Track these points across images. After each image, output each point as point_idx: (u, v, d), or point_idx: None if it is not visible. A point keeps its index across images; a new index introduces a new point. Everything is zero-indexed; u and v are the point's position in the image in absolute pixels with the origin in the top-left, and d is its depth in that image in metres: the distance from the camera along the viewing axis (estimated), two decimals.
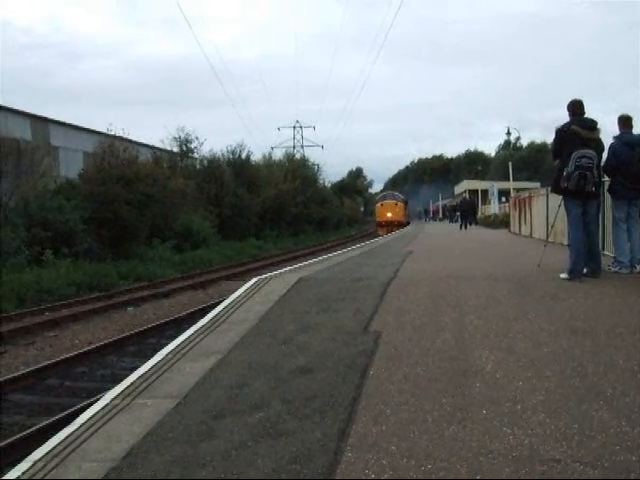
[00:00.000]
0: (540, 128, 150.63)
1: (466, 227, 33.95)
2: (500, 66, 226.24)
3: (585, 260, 8.05)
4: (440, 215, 70.04)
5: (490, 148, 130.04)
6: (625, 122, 8.55)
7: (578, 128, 7.83)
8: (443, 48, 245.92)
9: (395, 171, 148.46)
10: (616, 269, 8.52)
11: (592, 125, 7.97)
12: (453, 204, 55.83)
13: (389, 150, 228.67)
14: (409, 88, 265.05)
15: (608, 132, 9.03)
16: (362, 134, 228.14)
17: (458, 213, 41.69)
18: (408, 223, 57.79)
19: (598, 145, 8.07)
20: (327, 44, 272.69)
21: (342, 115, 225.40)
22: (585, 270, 8.05)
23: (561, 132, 8.05)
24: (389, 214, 52.86)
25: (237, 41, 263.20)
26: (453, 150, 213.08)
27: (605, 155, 8.48)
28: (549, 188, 16.29)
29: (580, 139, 7.78)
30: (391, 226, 49.41)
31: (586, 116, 8.10)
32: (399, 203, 54.69)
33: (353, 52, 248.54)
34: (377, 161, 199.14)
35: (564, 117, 8.26)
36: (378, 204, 56.79)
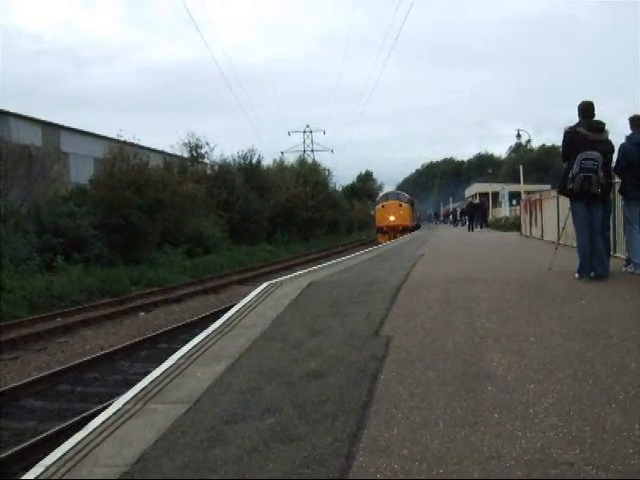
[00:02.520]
0: (556, 129, 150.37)
1: (472, 229, 35.41)
2: (515, 67, 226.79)
3: (592, 262, 8.03)
4: (451, 218, 67.89)
5: (503, 150, 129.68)
6: (636, 122, 8.52)
7: (584, 130, 7.84)
8: (456, 49, 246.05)
9: (408, 174, 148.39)
10: (631, 270, 8.49)
11: (600, 127, 7.97)
12: (464, 207, 53.46)
13: (403, 153, 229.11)
14: (422, 90, 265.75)
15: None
16: (375, 137, 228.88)
17: (466, 217, 42.15)
18: (417, 227, 52.32)
19: (607, 147, 8.06)
20: (337, 47, 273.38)
21: (353, 118, 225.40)
22: (592, 273, 8.02)
23: (568, 134, 8.06)
24: (392, 217, 44.33)
25: (246, 45, 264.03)
26: (469, 152, 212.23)
27: (616, 156, 8.47)
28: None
29: (586, 141, 7.78)
30: (394, 232, 41.71)
31: (596, 118, 8.09)
32: (404, 204, 45.93)
33: (364, 54, 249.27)
34: (390, 164, 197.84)
35: (576, 118, 8.24)
36: (378, 205, 47.78)
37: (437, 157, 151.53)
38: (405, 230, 42.24)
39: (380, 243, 33.41)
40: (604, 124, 8.03)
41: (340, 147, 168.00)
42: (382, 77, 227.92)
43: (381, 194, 52.75)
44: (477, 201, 48.21)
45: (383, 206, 46.27)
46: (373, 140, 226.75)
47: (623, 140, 8.57)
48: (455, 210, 62.37)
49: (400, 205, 45.48)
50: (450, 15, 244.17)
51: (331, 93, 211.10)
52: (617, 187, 9.43)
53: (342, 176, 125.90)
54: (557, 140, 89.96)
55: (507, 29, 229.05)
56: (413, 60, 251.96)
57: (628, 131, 8.64)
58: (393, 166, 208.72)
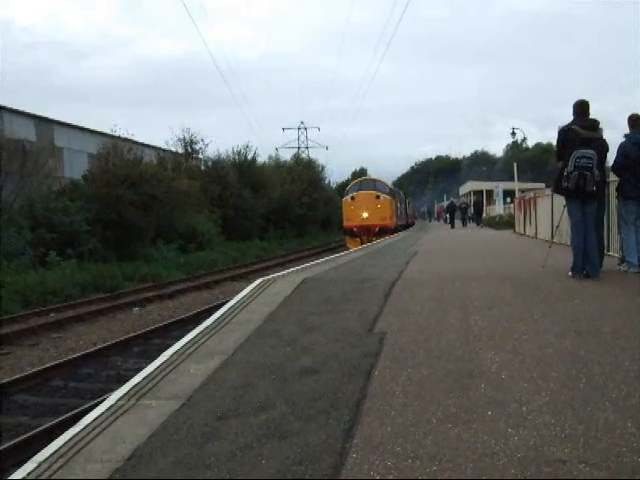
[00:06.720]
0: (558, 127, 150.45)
1: (453, 226, 38.60)
2: (517, 64, 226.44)
3: (584, 260, 8.05)
4: (444, 215, 67.35)
5: (503, 148, 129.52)
6: (635, 122, 8.53)
7: (578, 128, 7.85)
8: (455, 45, 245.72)
9: (405, 171, 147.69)
10: (625, 269, 8.52)
11: (594, 125, 7.98)
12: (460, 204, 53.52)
13: (402, 150, 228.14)
14: (420, 86, 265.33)
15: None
16: (372, 133, 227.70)
17: (447, 215, 43.76)
18: (407, 226, 43.87)
19: (602, 145, 8.07)
20: (334, 42, 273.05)
21: (349, 114, 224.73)
22: (584, 272, 8.04)
23: (562, 133, 8.08)
24: (364, 214, 31.70)
25: (242, 39, 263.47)
26: (470, 149, 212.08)
27: (613, 155, 8.49)
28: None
29: (580, 139, 7.79)
30: (368, 234, 30.91)
31: (592, 116, 8.11)
32: (383, 195, 32.82)
33: (361, 50, 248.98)
34: (389, 160, 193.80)
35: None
36: (347, 197, 33.66)
37: (436, 154, 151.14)
38: (385, 232, 30.83)
39: (349, 247, 25.87)
40: (599, 122, 8.05)
41: (336, 144, 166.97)
42: (379, 73, 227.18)
43: (353, 183, 37.81)
44: (465, 199, 48.85)
45: (353, 198, 32.97)
46: (370, 137, 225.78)
47: (622, 139, 8.60)
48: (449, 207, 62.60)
49: (377, 197, 32.54)
50: (450, 11, 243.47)
51: (327, 89, 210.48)
52: (612, 185, 9.46)
53: (338, 173, 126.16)
54: (549, 139, 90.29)
55: (508, 25, 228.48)
56: (411, 56, 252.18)
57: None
58: (393, 163, 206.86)
